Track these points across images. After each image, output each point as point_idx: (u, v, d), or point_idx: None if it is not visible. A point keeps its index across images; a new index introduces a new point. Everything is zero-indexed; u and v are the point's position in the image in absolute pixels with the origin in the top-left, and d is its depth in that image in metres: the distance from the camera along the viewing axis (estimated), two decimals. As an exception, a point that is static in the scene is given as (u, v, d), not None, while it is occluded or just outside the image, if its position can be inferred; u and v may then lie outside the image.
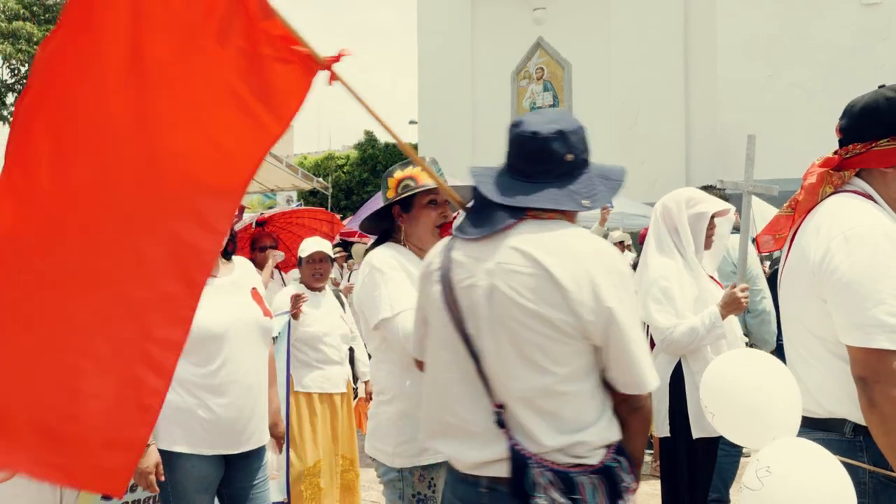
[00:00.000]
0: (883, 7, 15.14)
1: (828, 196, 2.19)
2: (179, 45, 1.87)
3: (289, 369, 4.21)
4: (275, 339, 3.88)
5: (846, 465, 2.00)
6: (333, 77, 2.14)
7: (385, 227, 2.91)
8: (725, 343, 3.39)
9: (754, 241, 3.27)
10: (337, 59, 2.16)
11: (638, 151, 16.36)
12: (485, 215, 2.04)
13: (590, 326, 1.89)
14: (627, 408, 2.00)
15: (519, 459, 1.89)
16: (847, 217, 2.07)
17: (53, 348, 1.73)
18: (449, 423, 2.04)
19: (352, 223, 7.93)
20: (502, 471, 1.92)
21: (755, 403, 2.07)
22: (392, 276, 2.68)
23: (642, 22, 16.97)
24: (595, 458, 1.92)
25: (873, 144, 2.13)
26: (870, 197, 2.14)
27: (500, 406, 1.93)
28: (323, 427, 4.50)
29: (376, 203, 3.12)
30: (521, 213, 2.01)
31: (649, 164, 16.00)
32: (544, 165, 2.01)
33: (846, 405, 2.05)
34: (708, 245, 3.57)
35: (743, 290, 3.31)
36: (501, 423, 1.92)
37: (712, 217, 3.56)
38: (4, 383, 1.69)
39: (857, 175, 2.19)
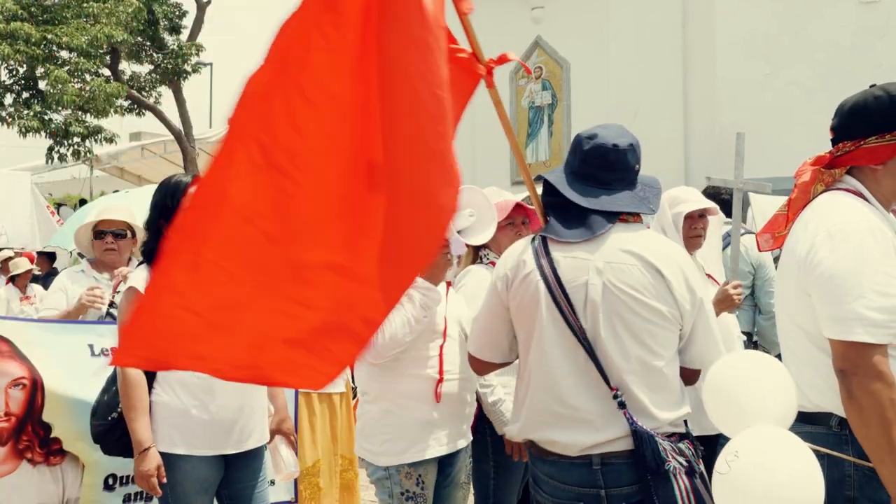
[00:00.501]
0: (882, 5, 15.15)
1: (819, 194, 2.23)
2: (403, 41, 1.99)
3: None
4: None
5: (832, 457, 2.05)
6: (492, 83, 2.13)
7: None
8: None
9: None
10: (500, 62, 2.15)
11: (637, 150, 16.34)
12: (576, 219, 2.29)
13: (686, 315, 2.26)
14: (687, 382, 2.41)
15: (642, 434, 2.14)
16: (834, 213, 2.11)
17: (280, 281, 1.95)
18: (559, 413, 2.23)
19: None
20: (621, 446, 2.17)
21: (740, 394, 2.12)
22: None
23: (641, 21, 16.97)
24: (683, 428, 2.29)
25: (862, 142, 2.17)
26: (861, 194, 2.17)
27: (618, 389, 2.19)
28: (322, 427, 4.49)
29: None
30: (613, 218, 2.27)
31: (648, 163, 15.80)
32: (619, 174, 2.33)
33: (831, 399, 2.09)
34: (696, 245, 3.53)
35: (735, 287, 3.33)
36: (622, 405, 2.18)
37: (703, 216, 3.55)
38: (236, 307, 1.92)
39: (850, 173, 2.23)
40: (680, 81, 17.10)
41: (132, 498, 3.19)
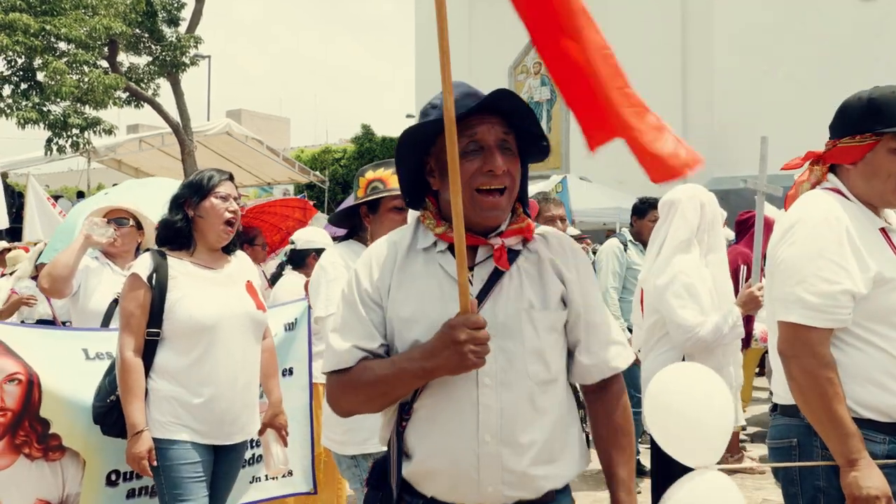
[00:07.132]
0: (879, 2, 15.15)
1: (805, 191, 2.31)
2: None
3: (311, 356, 4.06)
4: (292, 325, 3.84)
5: (803, 448, 2.15)
6: None
7: (353, 224, 3.02)
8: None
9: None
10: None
11: (635, 146, 16.35)
12: None
13: None
14: None
15: None
16: (801, 207, 2.21)
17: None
18: None
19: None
20: None
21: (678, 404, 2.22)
22: (333, 276, 2.80)
23: (639, 16, 16.95)
24: None
25: (838, 142, 2.23)
26: (842, 193, 2.22)
27: None
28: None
29: (350, 201, 3.22)
30: None
31: (646, 159, 15.98)
32: None
33: None
34: None
35: (759, 290, 3.37)
36: None
37: None
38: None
39: (833, 171, 2.29)
40: (678, 76, 17.07)
41: (137, 493, 3.18)
